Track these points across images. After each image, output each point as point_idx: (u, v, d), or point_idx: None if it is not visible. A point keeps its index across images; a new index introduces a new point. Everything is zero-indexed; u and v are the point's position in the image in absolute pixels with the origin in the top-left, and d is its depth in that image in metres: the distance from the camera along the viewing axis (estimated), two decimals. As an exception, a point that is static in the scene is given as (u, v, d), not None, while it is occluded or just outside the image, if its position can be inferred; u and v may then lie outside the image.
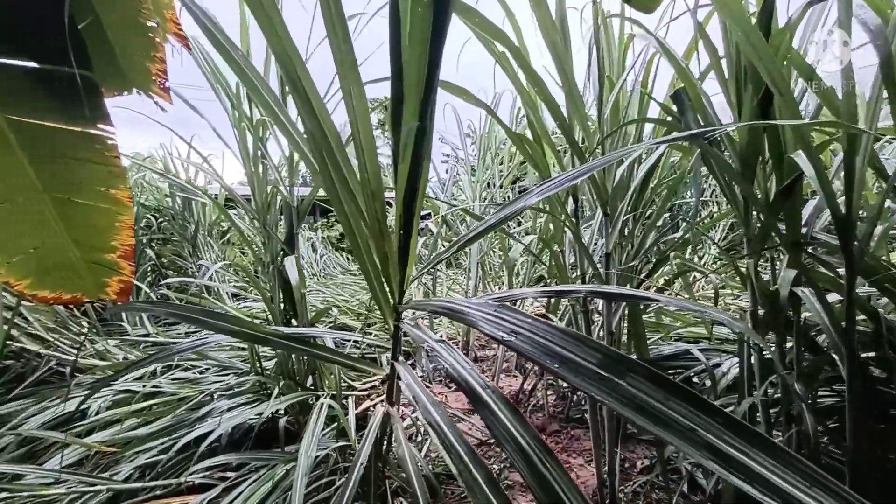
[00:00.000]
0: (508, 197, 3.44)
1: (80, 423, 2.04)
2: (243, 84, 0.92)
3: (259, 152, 1.86)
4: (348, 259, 7.40)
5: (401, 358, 1.11)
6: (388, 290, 0.87)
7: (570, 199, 1.48)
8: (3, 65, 0.85)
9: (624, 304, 1.21)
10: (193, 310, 0.87)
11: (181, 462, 1.78)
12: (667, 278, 2.30)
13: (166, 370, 2.48)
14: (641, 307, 1.28)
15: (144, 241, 4.54)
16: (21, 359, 2.60)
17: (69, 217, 1.02)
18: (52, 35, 0.82)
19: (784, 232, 1.15)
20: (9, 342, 2.37)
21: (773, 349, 1.23)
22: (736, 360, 1.86)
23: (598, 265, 1.29)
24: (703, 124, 1.21)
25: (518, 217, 4.14)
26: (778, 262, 1.37)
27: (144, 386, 2.20)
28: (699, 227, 1.24)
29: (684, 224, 2.31)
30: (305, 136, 0.81)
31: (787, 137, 1.16)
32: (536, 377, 2.51)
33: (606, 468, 1.30)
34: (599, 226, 1.29)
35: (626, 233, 1.39)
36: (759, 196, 1.18)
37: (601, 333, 1.38)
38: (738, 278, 2.46)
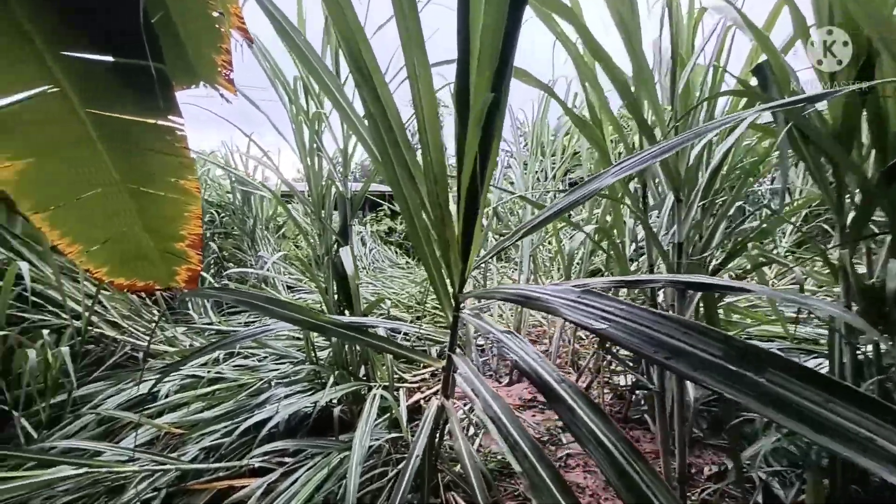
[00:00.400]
0: (559, 189, 3.33)
1: (151, 405, 2.16)
2: (303, 66, 0.91)
3: (315, 145, 1.89)
4: (396, 253, 7.50)
5: (458, 350, 1.08)
6: (447, 279, 0.84)
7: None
8: (82, 59, 0.89)
9: (697, 298, 1.12)
10: (259, 297, 0.89)
11: (242, 446, 1.84)
12: (738, 272, 2.14)
13: (228, 357, 2.59)
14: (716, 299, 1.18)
15: (208, 234, 4.79)
16: (100, 343, 2.81)
17: (143, 207, 1.07)
18: (126, 29, 0.85)
19: (887, 219, 1.02)
20: (89, 327, 2.55)
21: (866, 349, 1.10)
22: (818, 361, 1.70)
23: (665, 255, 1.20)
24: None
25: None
26: (874, 254, 1.22)
27: (209, 372, 2.31)
28: (784, 216, 1.13)
29: (756, 212, 2.14)
30: (365, 120, 0.80)
31: (892, 110, 1.03)
32: (591, 374, 2.42)
33: (676, 474, 1.21)
34: (669, 213, 1.20)
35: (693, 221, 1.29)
36: (857, 179, 1.06)
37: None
38: (816, 271, 2.25)
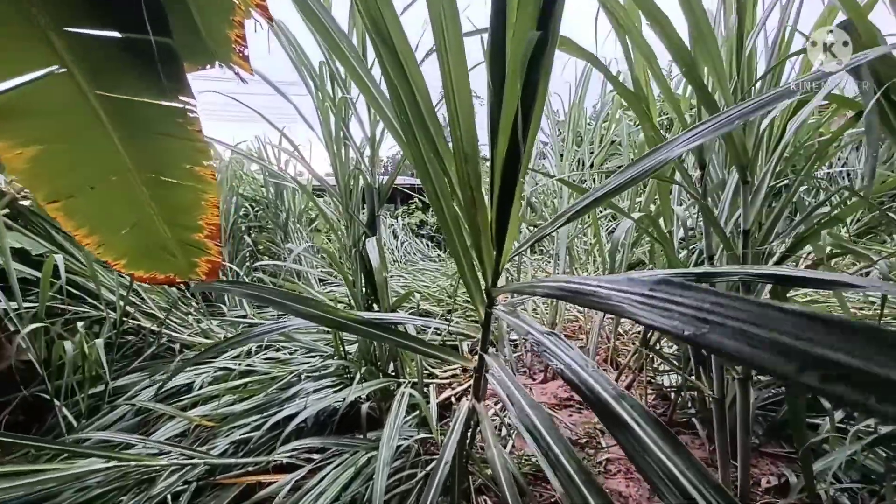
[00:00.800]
0: (595, 180, 3.17)
1: (186, 396, 2.17)
2: (321, 37, 0.83)
3: (342, 133, 1.82)
4: (428, 246, 7.45)
5: (491, 349, 0.99)
6: (479, 272, 0.75)
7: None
8: (87, 36, 0.84)
9: (767, 291, 0.99)
10: (272, 291, 0.82)
11: (271, 440, 1.82)
12: (792, 263, 1.94)
13: (259, 350, 2.59)
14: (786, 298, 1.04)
15: (243, 228, 4.85)
16: (139, 334, 2.88)
17: (159, 196, 1.02)
18: (133, 2, 0.79)
19: None
20: (128, 319, 2.60)
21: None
22: None
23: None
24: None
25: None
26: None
27: (240, 364, 2.31)
28: (872, 201, 0.97)
29: (828, 198, 1.94)
30: (390, 98, 0.71)
31: None
32: (633, 373, 2.27)
33: (738, 489, 1.08)
34: (731, 197, 1.06)
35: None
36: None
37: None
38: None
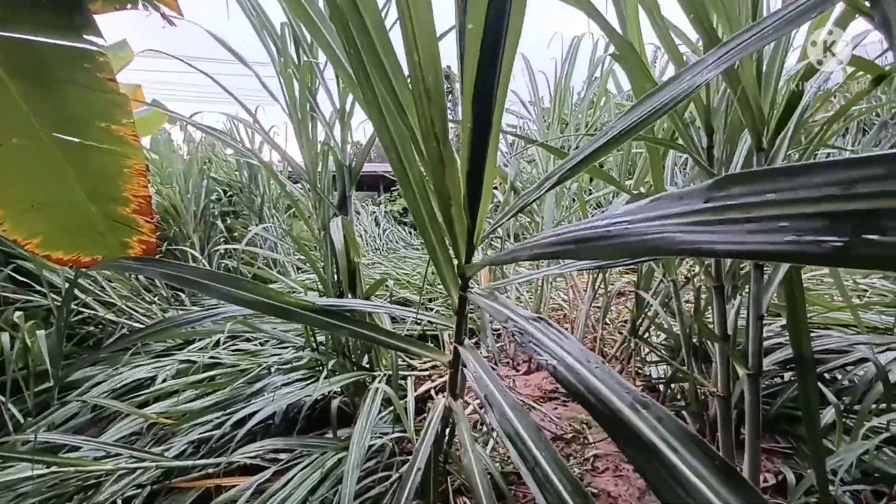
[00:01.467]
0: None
1: (145, 391, 2.03)
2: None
3: (308, 105, 1.66)
4: (410, 234, 7.30)
5: (466, 340, 0.86)
6: (450, 246, 0.61)
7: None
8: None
9: (779, 278, 0.87)
10: (193, 271, 0.67)
11: (233, 439, 1.68)
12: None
13: (228, 341, 2.45)
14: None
15: (216, 213, 4.64)
16: (99, 325, 2.70)
17: (77, 162, 0.86)
18: None
19: None
20: (78, 306, 2.42)
21: None
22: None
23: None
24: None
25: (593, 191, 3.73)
26: None
27: (202, 357, 2.16)
28: None
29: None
30: (332, 22, 0.56)
31: None
32: (621, 363, 2.18)
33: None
34: (744, 166, 0.94)
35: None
36: None
37: (738, 320, 1.04)
38: None
